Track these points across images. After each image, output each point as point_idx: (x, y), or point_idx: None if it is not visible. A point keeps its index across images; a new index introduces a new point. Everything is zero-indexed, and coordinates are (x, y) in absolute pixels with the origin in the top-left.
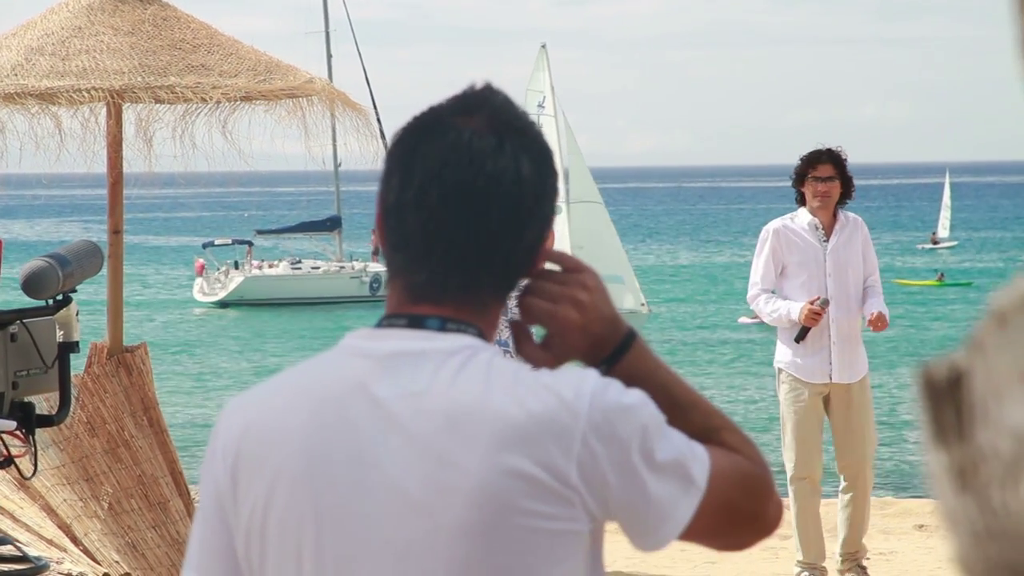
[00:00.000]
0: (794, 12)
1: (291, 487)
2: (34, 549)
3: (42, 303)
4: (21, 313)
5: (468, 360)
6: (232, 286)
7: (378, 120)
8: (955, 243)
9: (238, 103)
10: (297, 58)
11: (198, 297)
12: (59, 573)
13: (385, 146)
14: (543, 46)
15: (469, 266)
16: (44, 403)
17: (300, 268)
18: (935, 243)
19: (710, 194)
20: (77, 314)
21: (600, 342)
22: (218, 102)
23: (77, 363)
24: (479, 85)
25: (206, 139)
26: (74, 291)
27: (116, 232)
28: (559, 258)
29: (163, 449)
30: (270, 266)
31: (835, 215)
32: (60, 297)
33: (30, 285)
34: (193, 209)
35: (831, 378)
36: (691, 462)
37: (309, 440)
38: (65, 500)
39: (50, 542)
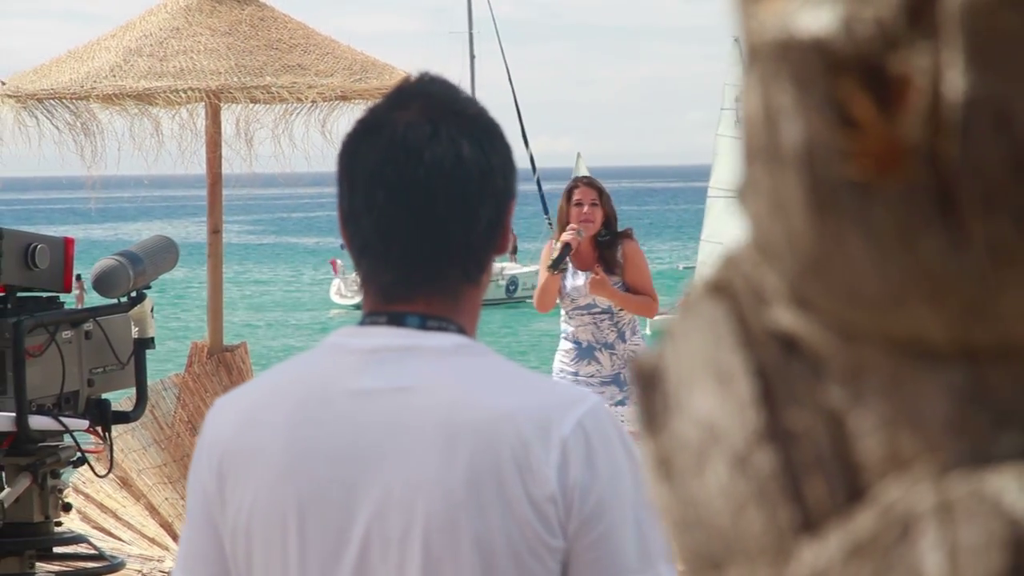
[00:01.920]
0: None
1: (275, 483)
2: (136, 547)
3: (115, 301)
4: (95, 311)
5: (455, 357)
6: None
7: (519, 119)
8: None
9: (336, 103)
10: (433, 58)
11: (335, 299)
12: (160, 571)
13: (525, 143)
14: (736, 40)
15: (429, 258)
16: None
17: None
18: None
19: None
20: (152, 310)
21: None
22: (314, 102)
23: (178, 362)
24: (414, 77)
25: (304, 138)
26: (148, 287)
27: (215, 232)
28: None
29: None
30: None
31: None
32: (134, 294)
33: (101, 284)
34: (317, 210)
35: None
36: (658, 543)
37: (293, 436)
38: (167, 499)
39: (152, 540)
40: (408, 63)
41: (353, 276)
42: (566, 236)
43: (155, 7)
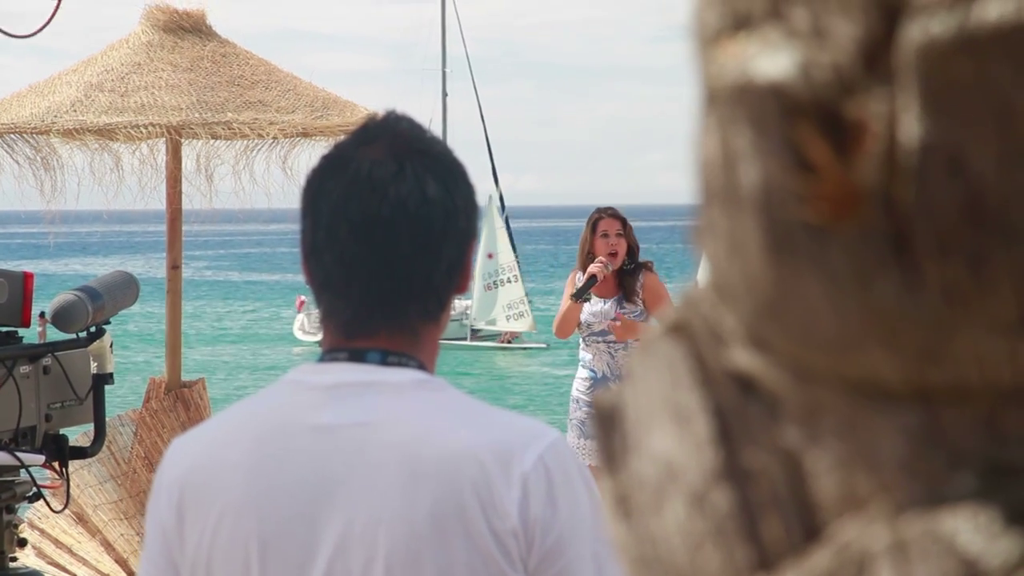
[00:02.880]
0: None
1: (235, 519)
2: None
3: (73, 336)
4: (53, 346)
5: (415, 392)
6: None
7: (491, 157)
8: None
9: (297, 139)
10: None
11: (299, 335)
12: None
13: (496, 181)
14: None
15: (391, 295)
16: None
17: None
18: None
19: None
20: (111, 346)
21: None
22: (275, 138)
23: (135, 398)
24: (380, 114)
25: (265, 175)
26: (107, 323)
27: (175, 267)
28: None
29: None
30: None
31: None
32: (93, 329)
33: (59, 319)
34: (278, 246)
35: None
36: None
37: (253, 472)
38: (122, 535)
39: None
40: (374, 101)
41: (317, 312)
42: (594, 268)
43: (116, 42)
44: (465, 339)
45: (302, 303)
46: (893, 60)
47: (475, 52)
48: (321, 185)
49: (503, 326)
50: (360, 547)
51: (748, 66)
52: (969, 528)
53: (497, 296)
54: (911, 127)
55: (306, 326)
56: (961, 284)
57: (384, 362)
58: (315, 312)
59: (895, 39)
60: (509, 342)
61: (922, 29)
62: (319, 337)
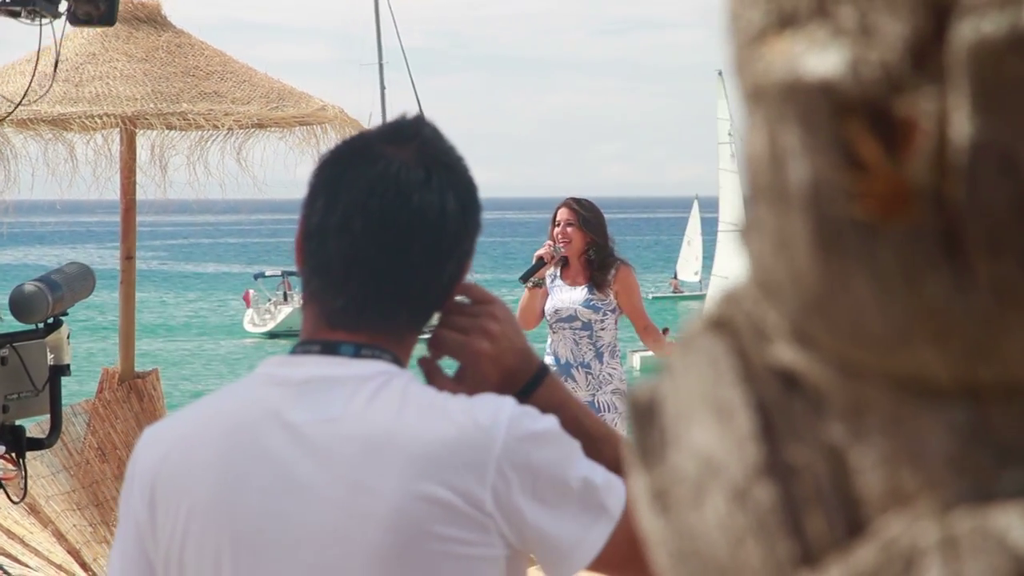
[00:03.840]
0: None
1: (206, 516)
2: (44, 574)
3: (31, 327)
4: (11, 337)
5: (383, 386)
6: (281, 317)
7: None
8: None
9: (252, 130)
10: (344, 88)
11: (248, 328)
12: None
13: None
14: (720, 73)
15: (387, 297)
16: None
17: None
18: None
19: None
20: (68, 337)
21: (512, 374)
22: (230, 129)
23: (88, 389)
24: (410, 115)
25: (220, 166)
26: (65, 314)
27: (128, 258)
28: (467, 289)
29: None
30: None
31: None
32: (51, 320)
33: (18, 309)
34: (231, 236)
35: None
36: (604, 490)
37: (223, 468)
38: (75, 526)
39: (59, 567)
40: (320, 93)
41: (267, 306)
42: (541, 251)
43: (71, 32)
44: (287, 331)
45: (249, 297)
46: (943, 59)
47: (424, 44)
48: (344, 172)
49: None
50: (334, 543)
51: (796, 64)
52: (1020, 524)
53: None
54: (962, 125)
55: (255, 319)
56: (1011, 282)
57: (357, 354)
58: (264, 306)
59: (944, 38)
60: None
61: (973, 28)
62: (268, 328)
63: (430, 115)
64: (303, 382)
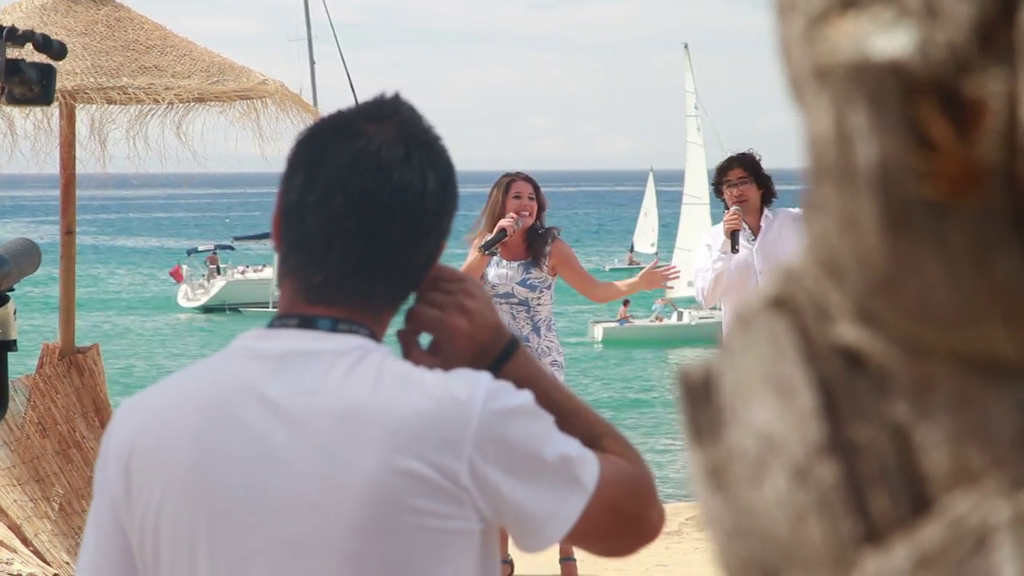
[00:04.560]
0: (763, 16)
1: (182, 489)
2: None
3: None
4: None
5: (360, 360)
6: (214, 291)
7: None
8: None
9: (192, 104)
10: (273, 62)
11: (182, 302)
12: (8, 574)
13: None
14: (685, 46)
15: (365, 273)
16: None
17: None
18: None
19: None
20: (15, 312)
21: (485, 348)
22: (171, 103)
23: (30, 364)
24: (389, 93)
25: (159, 140)
26: (11, 290)
27: (69, 232)
28: (438, 268)
29: None
30: (255, 271)
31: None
32: None
33: None
34: (170, 210)
35: None
36: (578, 464)
37: (199, 441)
38: (15, 501)
39: (0, 543)
40: (251, 66)
41: (200, 280)
42: (504, 222)
43: (9, 6)
44: (268, 305)
45: (179, 273)
46: (1013, 40)
47: (354, 18)
48: (324, 148)
49: None
50: (309, 516)
51: (864, 45)
52: None
53: None
54: None
55: (189, 294)
56: None
57: (333, 329)
58: (197, 280)
59: (1013, 20)
60: None
61: None
62: (202, 303)
63: (361, 90)
64: (280, 355)
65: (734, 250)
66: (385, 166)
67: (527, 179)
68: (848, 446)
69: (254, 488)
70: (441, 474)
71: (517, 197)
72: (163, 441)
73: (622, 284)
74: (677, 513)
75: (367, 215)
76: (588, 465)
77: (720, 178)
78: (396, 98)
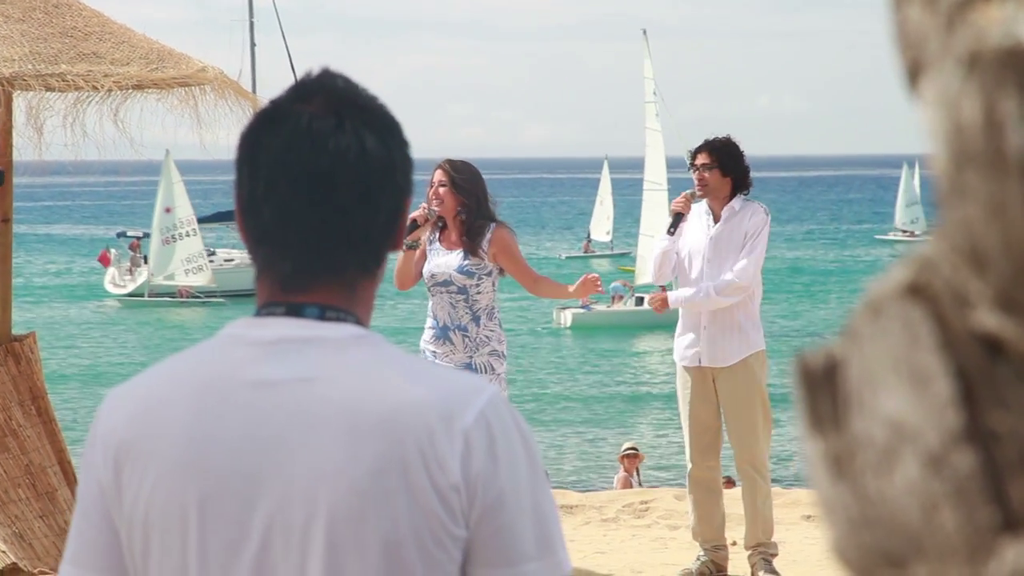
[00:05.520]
0: (689, 5)
1: (173, 475)
2: None
3: None
4: None
5: (355, 348)
6: (142, 279)
7: None
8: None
9: (130, 91)
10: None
11: (109, 288)
12: None
13: None
14: (644, 32)
15: (329, 248)
16: None
17: (213, 260)
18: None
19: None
20: None
21: None
22: (109, 90)
23: None
24: (315, 72)
25: (97, 127)
26: None
27: (5, 220)
28: None
29: (51, 439)
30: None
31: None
32: None
33: None
34: (101, 198)
35: (700, 362)
36: (557, 532)
37: (190, 428)
38: None
39: None
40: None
41: (128, 264)
42: (415, 213)
43: None
44: (143, 295)
45: (106, 257)
46: None
47: (278, 4)
48: (258, 140)
49: (182, 280)
50: (301, 503)
51: (1015, 30)
52: None
53: (175, 250)
54: None
55: (116, 279)
56: None
57: (322, 317)
58: (125, 264)
59: None
60: (188, 296)
61: None
62: (129, 289)
63: (285, 78)
64: (273, 342)
65: (670, 231)
66: (318, 138)
67: (442, 167)
68: (987, 434)
69: (247, 474)
70: (436, 463)
71: (431, 185)
72: (154, 430)
73: (569, 288)
74: (613, 500)
75: (312, 190)
76: (562, 544)
77: (691, 161)
78: (322, 73)
